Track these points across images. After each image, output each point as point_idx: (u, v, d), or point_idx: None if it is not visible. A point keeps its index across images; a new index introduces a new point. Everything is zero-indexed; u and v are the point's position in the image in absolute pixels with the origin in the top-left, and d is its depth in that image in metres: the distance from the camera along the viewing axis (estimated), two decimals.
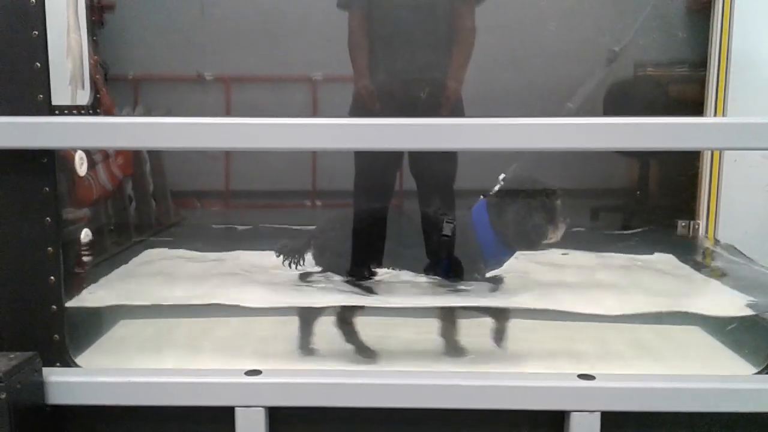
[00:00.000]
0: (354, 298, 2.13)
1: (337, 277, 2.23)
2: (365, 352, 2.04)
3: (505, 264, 2.24)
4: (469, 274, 2.22)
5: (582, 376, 1.68)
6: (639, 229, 3.08)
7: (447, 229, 2.18)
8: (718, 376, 1.74)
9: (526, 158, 2.29)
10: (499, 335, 2.09)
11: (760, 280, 2.30)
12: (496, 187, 2.25)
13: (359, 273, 2.25)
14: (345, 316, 2.12)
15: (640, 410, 1.66)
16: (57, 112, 1.73)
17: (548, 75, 2.97)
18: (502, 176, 2.26)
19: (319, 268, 2.26)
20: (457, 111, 2.53)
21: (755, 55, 2.82)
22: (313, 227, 2.41)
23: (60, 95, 2.13)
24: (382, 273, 2.25)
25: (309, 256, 2.28)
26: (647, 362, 1.94)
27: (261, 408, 1.66)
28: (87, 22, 2.42)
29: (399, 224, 2.42)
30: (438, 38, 2.55)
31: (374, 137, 1.67)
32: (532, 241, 2.16)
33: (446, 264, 2.23)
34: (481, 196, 2.26)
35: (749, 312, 2.08)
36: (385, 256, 2.29)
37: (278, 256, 2.27)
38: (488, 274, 2.23)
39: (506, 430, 1.71)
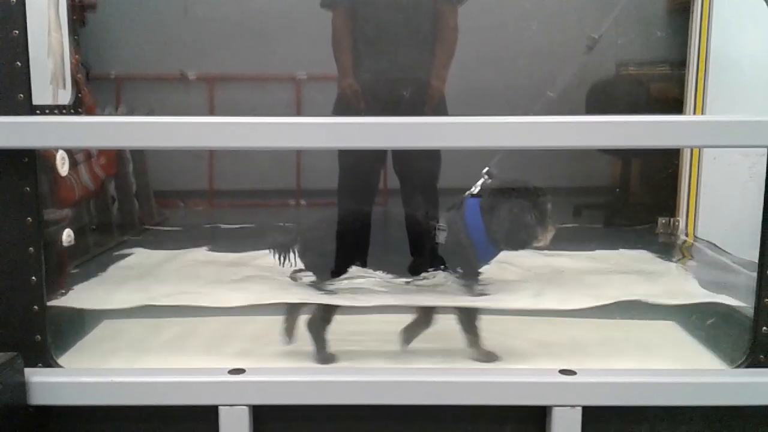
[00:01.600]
0: (334, 298, 2.14)
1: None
2: (325, 357, 2.02)
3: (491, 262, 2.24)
4: (465, 276, 2.22)
5: (563, 372, 1.70)
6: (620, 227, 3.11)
7: (440, 237, 2.18)
8: (697, 371, 1.77)
9: (504, 153, 2.28)
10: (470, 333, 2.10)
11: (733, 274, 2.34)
12: (480, 182, 2.25)
13: (342, 271, 2.25)
14: (315, 319, 2.12)
15: (620, 405, 1.68)
16: (38, 111, 1.72)
17: (530, 73, 2.99)
18: (485, 170, 2.26)
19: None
20: (440, 109, 2.54)
21: (734, 54, 2.85)
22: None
23: (41, 95, 2.11)
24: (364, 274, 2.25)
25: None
26: (625, 357, 1.96)
27: (245, 406, 1.66)
28: (68, 21, 2.41)
29: (383, 224, 2.42)
30: (421, 37, 2.56)
31: (358, 136, 1.68)
32: (523, 241, 2.16)
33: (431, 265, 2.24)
34: (467, 194, 2.26)
35: (722, 300, 2.10)
36: (370, 254, 2.29)
37: (270, 252, 2.27)
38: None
39: (489, 425, 1.73)
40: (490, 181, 2.23)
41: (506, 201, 2.14)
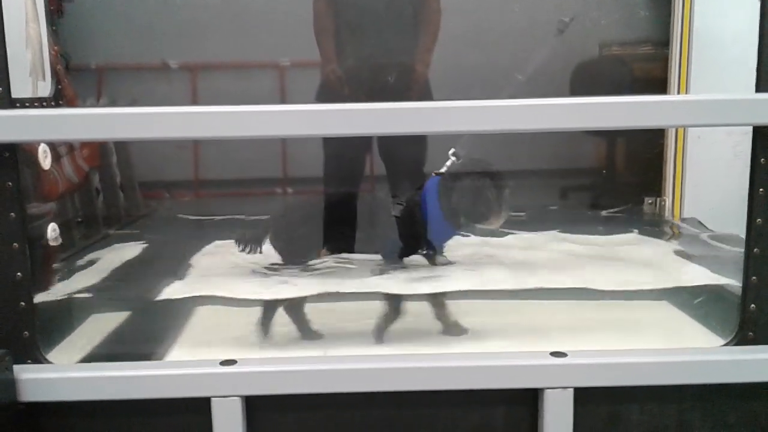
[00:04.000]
0: (315, 284, 2.14)
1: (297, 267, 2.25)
2: (311, 334, 2.06)
3: (447, 242, 2.29)
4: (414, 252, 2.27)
5: (554, 354, 1.70)
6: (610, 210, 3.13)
7: (396, 210, 2.22)
8: (687, 349, 1.78)
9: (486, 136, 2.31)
10: (441, 317, 2.11)
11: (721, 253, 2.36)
12: (448, 162, 2.27)
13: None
14: (292, 301, 2.12)
15: (612, 385, 1.69)
16: (18, 104, 1.69)
17: (514, 57, 2.98)
18: (451, 150, 2.28)
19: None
20: (424, 93, 2.53)
21: (717, 33, 2.86)
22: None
23: (20, 88, 2.09)
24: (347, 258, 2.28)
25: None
26: (618, 338, 1.97)
27: (237, 397, 1.66)
28: (46, 12, 2.37)
29: (371, 208, 2.43)
30: (404, 21, 2.54)
31: (343, 123, 1.66)
32: (476, 218, 2.20)
33: (394, 243, 2.27)
34: (433, 174, 2.28)
35: (715, 282, 2.12)
36: (358, 239, 2.30)
37: (237, 246, 2.28)
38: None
39: (482, 409, 1.73)
40: (459, 161, 2.26)
41: (462, 179, 2.17)
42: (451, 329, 2.07)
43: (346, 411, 1.74)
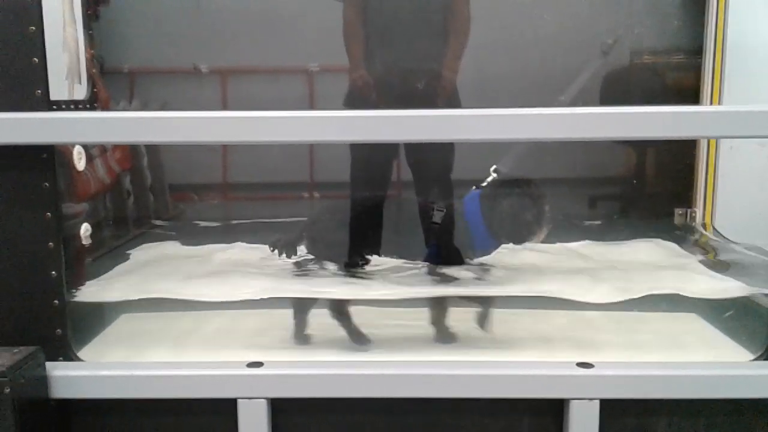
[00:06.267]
0: (346, 289, 2.15)
1: (332, 266, 2.26)
2: (360, 339, 2.07)
3: (492, 254, 2.30)
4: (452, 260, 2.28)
5: (581, 365, 1.70)
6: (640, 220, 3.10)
7: (437, 217, 2.24)
8: (716, 363, 1.76)
9: (517, 148, 2.33)
10: (483, 320, 2.13)
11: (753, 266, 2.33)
12: (489, 179, 2.28)
13: (355, 262, 2.28)
14: (339, 306, 2.14)
15: (638, 397, 1.68)
16: (55, 107, 1.73)
17: (544, 64, 2.97)
18: (493, 167, 2.30)
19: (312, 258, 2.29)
20: (453, 101, 2.53)
21: (751, 43, 2.82)
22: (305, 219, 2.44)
23: (58, 90, 2.12)
24: (377, 262, 2.28)
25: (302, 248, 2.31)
26: (645, 350, 1.95)
27: (263, 399, 1.68)
28: (82, 16, 2.42)
29: (397, 214, 2.44)
30: (433, 28, 2.55)
31: (371, 129, 1.67)
32: (521, 237, 2.22)
33: (434, 250, 2.29)
34: (474, 188, 2.29)
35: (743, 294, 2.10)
36: (383, 245, 2.31)
37: (273, 251, 2.30)
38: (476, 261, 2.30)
39: (507, 418, 1.73)
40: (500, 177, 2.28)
41: (506, 195, 2.19)
42: (444, 337, 2.08)
43: (369, 416, 1.74)
